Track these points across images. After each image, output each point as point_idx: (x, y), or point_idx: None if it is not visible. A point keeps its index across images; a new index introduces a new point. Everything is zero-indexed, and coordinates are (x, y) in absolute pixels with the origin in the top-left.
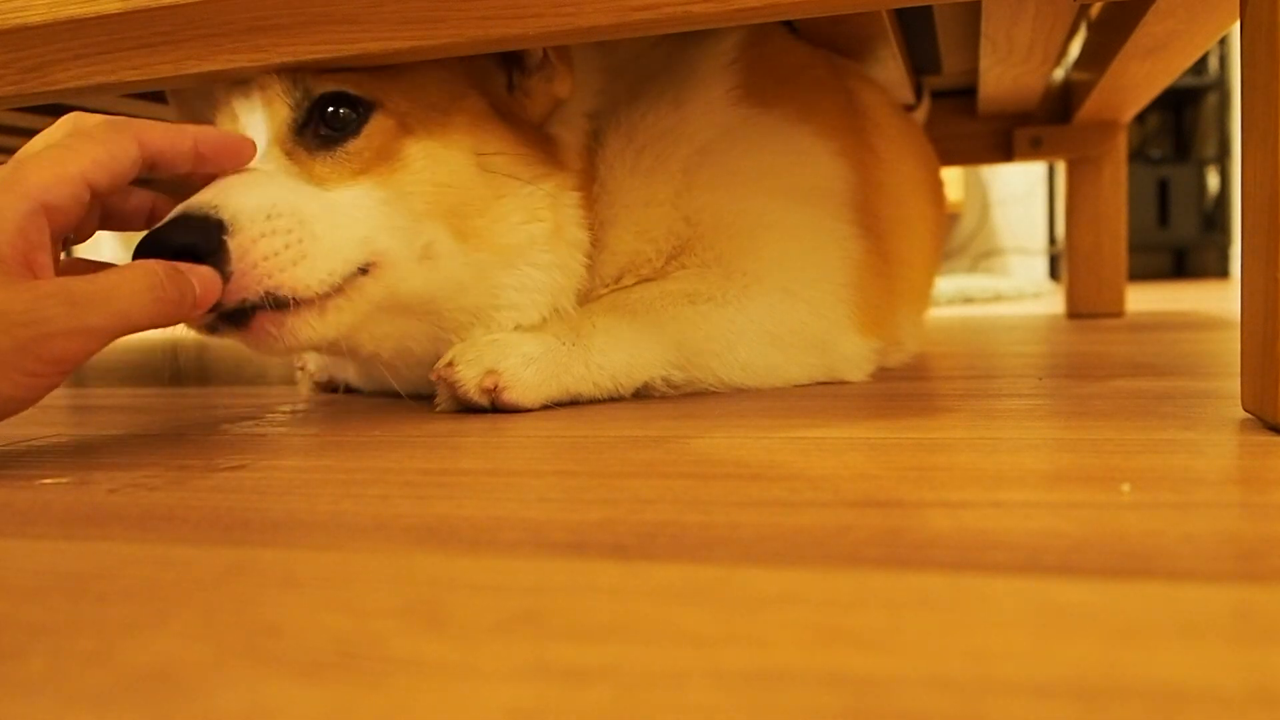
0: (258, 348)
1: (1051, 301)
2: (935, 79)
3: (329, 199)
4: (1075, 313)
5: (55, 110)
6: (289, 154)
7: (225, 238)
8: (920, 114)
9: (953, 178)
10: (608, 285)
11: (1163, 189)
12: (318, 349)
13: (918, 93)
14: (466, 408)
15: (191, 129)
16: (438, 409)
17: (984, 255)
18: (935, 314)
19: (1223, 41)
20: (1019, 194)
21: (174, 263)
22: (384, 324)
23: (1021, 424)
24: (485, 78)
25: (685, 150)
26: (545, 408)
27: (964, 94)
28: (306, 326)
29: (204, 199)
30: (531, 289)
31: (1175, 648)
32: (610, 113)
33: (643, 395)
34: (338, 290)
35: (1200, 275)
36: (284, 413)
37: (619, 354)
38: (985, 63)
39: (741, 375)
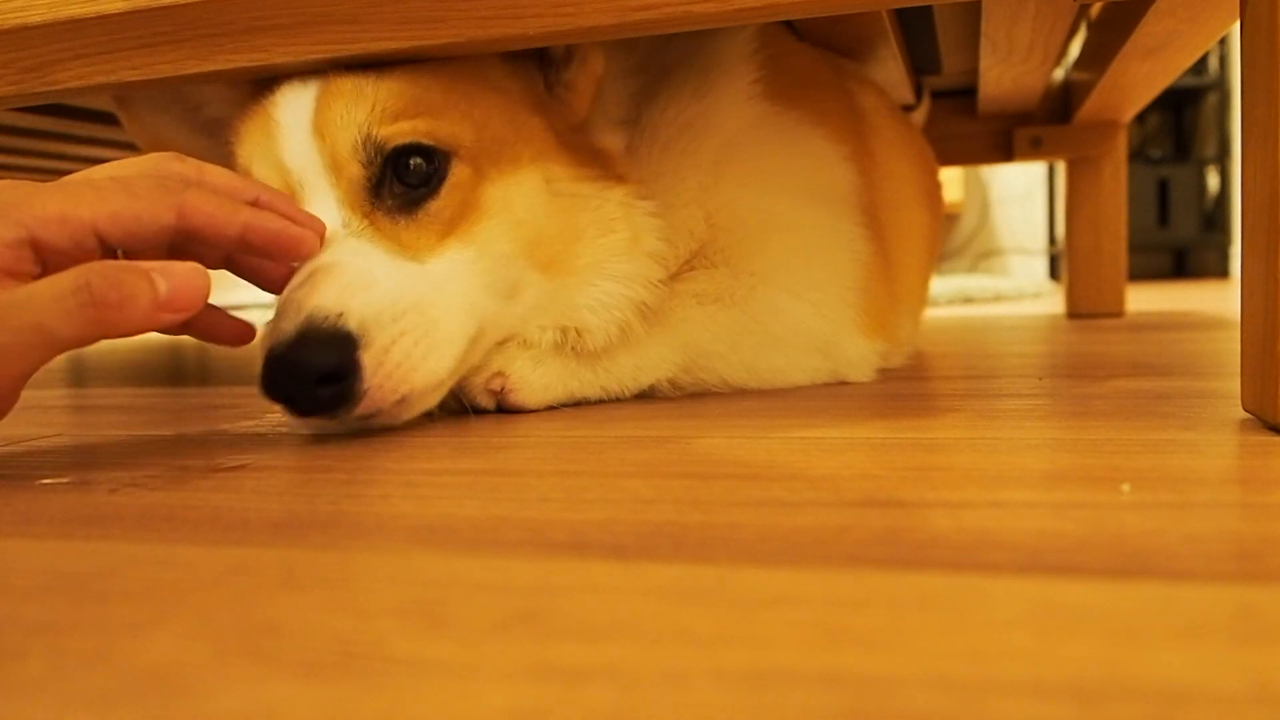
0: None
1: (1051, 301)
2: (935, 79)
3: (432, 275)
4: (1075, 313)
5: (56, 110)
6: (370, 220)
7: (359, 353)
8: (920, 114)
9: (953, 178)
10: None
11: (1163, 189)
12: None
13: (918, 93)
14: (471, 409)
15: (245, 213)
16: (441, 411)
17: (984, 255)
18: (935, 314)
19: (1223, 41)
20: (1019, 194)
21: (119, 262)
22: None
23: (1021, 424)
24: (530, 86)
25: (713, 142)
26: (547, 408)
27: (964, 94)
28: (423, 403)
29: (325, 303)
30: (607, 305)
31: (1175, 648)
32: (635, 119)
33: (645, 396)
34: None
35: (1200, 275)
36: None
37: (626, 357)
38: (985, 63)
39: (745, 376)
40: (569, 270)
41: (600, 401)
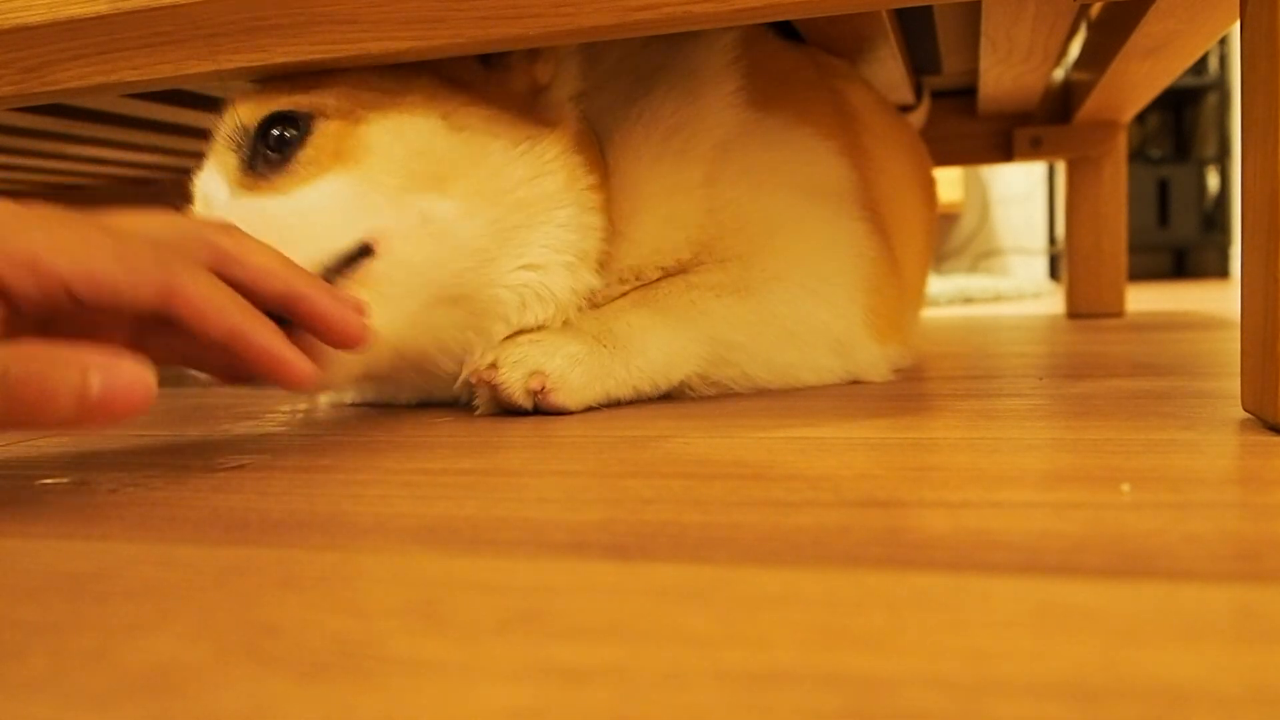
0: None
1: (1051, 301)
2: (935, 79)
3: (286, 202)
4: (1075, 313)
5: (56, 110)
6: (248, 186)
7: None
8: (920, 114)
9: (953, 178)
10: (626, 281)
11: (1163, 189)
12: (383, 362)
13: (918, 93)
14: (508, 411)
15: (236, 319)
16: (478, 413)
17: (984, 255)
18: (935, 314)
19: (1223, 41)
20: (1019, 194)
21: (53, 348)
22: (428, 318)
23: (1021, 424)
24: (456, 64)
25: (707, 143)
26: (585, 409)
27: (964, 94)
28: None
29: None
30: (560, 248)
31: (1175, 648)
32: (610, 109)
33: (673, 396)
34: (345, 278)
35: (1200, 275)
36: (284, 413)
37: (657, 354)
38: (985, 63)
39: (766, 372)
40: (504, 204)
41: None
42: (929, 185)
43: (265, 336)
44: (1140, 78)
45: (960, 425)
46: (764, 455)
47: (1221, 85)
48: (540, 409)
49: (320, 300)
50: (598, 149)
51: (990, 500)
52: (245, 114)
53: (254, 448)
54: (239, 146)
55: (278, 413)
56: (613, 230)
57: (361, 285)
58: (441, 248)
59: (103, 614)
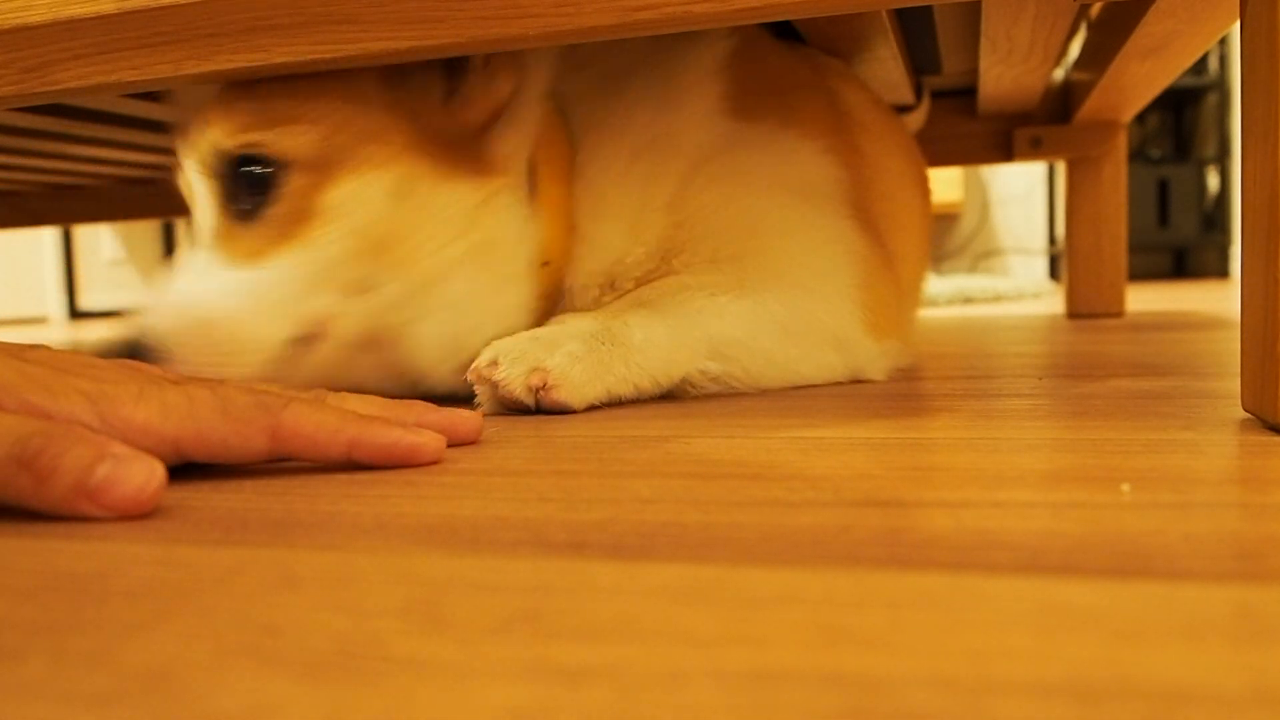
0: None
1: (1051, 301)
2: (935, 79)
3: (250, 281)
4: (1075, 313)
5: (56, 110)
6: (225, 227)
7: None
8: (920, 114)
9: (953, 178)
10: (600, 285)
11: (1163, 189)
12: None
13: (918, 93)
14: (511, 410)
15: (353, 429)
16: (482, 413)
17: (984, 255)
18: (935, 314)
19: (1223, 41)
20: (1019, 194)
21: (81, 430)
22: (349, 359)
23: (1021, 424)
24: (417, 95)
25: (679, 164)
26: (588, 408)
27: (964, 94)
28: None
29: (133, 328)
30: (467, 308)
31: (1175, 648)
32: (580, 101)
33: (673, 396)
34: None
35: (1200, 275)
36: None
37: (656, 350)
38: (985, 63)
39: (766, 368)
40: (420, 271)
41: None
42: (924, 185)
43: (384, 434)
44: (1140, 78)
45: (960, 425)
46: (764, 455)
47: (1221, 85)
48: (543, 408)
49: (383, 436)
50: (567, 146)
51: (990, 500)
52: (222, 137)
53: None
54: (219, 174)
55: None
56: (574, 232)
57: (304, 365)
58: (370, 310)
59: (103, 614)
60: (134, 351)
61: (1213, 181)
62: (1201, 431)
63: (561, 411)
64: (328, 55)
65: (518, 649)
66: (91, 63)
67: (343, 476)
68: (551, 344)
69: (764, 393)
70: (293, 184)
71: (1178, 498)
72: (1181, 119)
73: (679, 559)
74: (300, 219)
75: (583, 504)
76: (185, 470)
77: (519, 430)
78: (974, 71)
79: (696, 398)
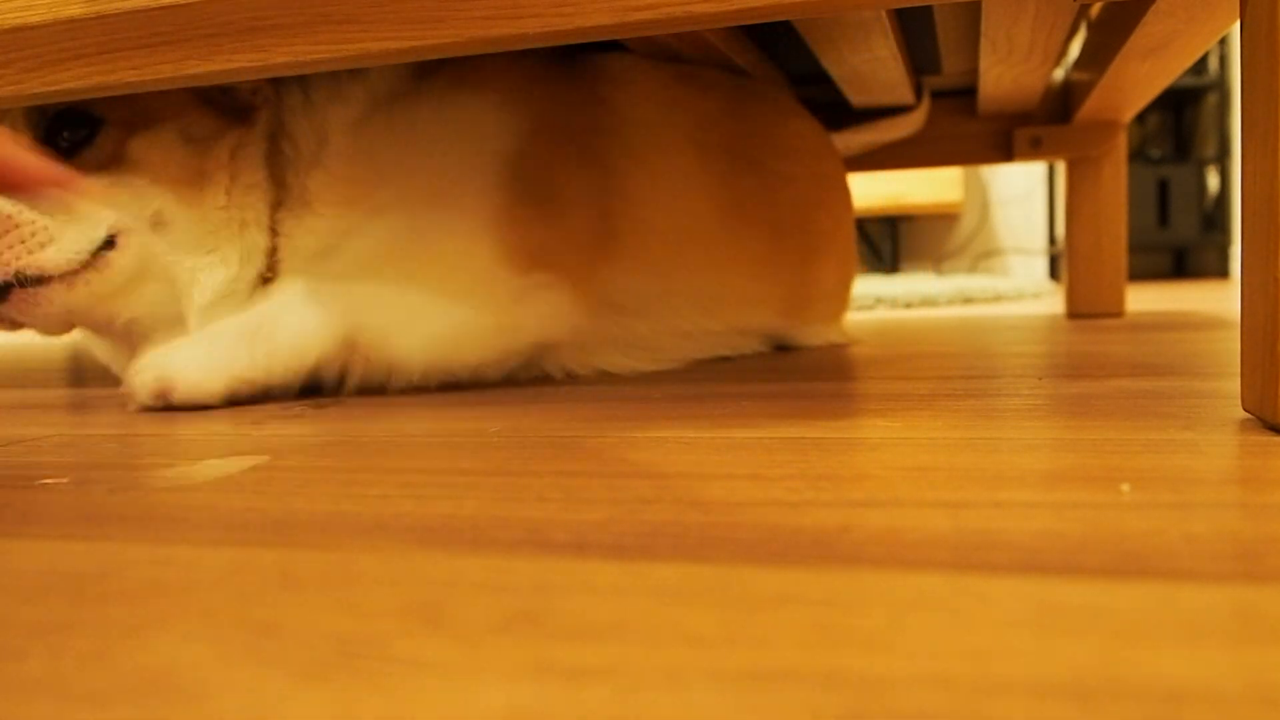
0: (23, 319)
1: (1051, 301)
2: (935, 79)
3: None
4: (1075, 313)
5: None
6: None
7: None
8: (920, 114)
9: (953, 178)
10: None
11: (1163, 189)
12: (77, 319)
13: (918, 93)
14: (152, 409)
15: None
16: (129, 409)
17: (984, 255)
18: (935, 314)
19: (1223, 41)
20: (1019, 194)
21: None
22: (134, 292)
23: (1021, 424)
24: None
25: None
26: (514, 405)
27: (964, 94)
28: (58, 296)
29: None
30: (221, 238)
31: (1175, 648)
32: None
33: (674, 396)
34: (87, 266)
35: (1200, 275)
36: (284, 412)
37: (283, 333)
38: (985, 63)
39: (407, 337)
40: (205, 206)
41: (593, 401)
42: (822, 181)
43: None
44: (1140, 78)
45: (960, 425)
46: (763, 455)
47: (1221, 85)
48: (173, 406)
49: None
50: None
51: (990, 500)
52: (51, 106)
53: (254, 448)
54: (36, 126)
55: (278, 413)
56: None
57: (91, 269)
58: (165, 243)
59: (103, 614)
60: None
61: (1213, 181)
62: (1201, 431)
63: (193, 407)
64: (328, 55)
65: (518, 649)
66: (91, 63)
67: (343, 476)
68: (178, 349)
69: (762, 394)
70: (105, 135)
71: (1178, 498)
72: (1181, 119)
73: (679, 559)
74: (113, 160)
75: (583, 504)
76: (185, 470)
77: (518, 430)
78: (974, 71)
79: (697, 398)
